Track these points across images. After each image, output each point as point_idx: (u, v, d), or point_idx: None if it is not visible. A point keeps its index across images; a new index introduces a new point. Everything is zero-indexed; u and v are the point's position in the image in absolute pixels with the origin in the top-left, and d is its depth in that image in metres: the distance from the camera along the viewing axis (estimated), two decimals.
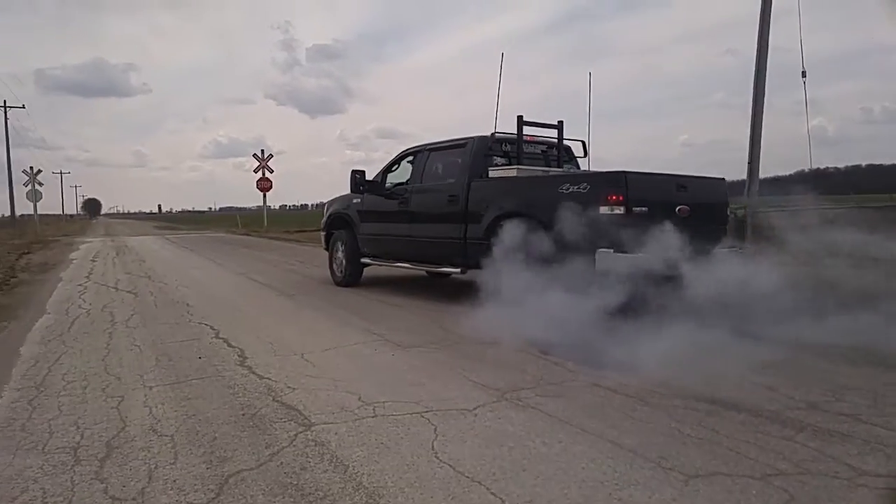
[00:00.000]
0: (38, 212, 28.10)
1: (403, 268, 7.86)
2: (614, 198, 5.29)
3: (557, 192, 5.74)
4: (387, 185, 8.07)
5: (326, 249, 9.14)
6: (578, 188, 5.65)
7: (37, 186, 26.96)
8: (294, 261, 13.20)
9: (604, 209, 5.30)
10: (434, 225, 7.18)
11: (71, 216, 78.78)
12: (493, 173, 6.79)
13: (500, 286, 5.42)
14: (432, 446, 2.86)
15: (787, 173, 12.90)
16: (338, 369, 4.23)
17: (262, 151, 25.68)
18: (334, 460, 2.71)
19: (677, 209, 5.51)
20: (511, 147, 7.12)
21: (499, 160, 7.02)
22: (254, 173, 25.63)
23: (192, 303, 7.27)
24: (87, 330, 5.78)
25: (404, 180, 7.87)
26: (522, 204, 6.14)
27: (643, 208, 5.30)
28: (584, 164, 7.75)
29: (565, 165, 7.52)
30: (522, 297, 5.21)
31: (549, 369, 4.17)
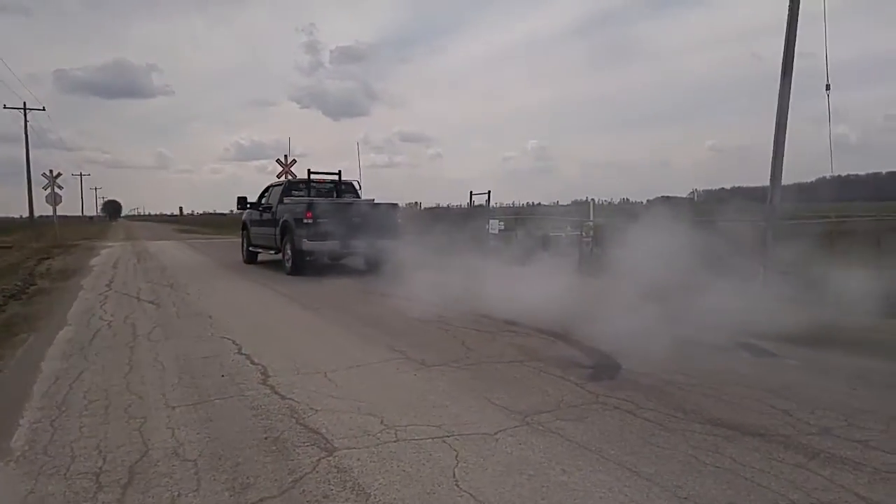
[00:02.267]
0: (58, 213, 28.29)
1: (266, 252, 13.69)
2: (309, 214, 11.14)
3: (294, 210, 11.69)
4: (260, 204, 13.86)
5: None
6: (297, 209, 11.54)
7: (56, 189, 27.11)
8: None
9: (306, 220, 11.14)
10: (268, 227, 12.86)
11: (90, 218, 79.76)
12: (286, 199, 12.51)
13: (286, 258, 11.91)
14: (453, 473, 2.84)
15: (809, 180, 12.85)
16: (361, 389, 4.21)
17: (286, 157, 25.64)
18: (356, 488, 2.70)
19: (351, 219, 11.43)
20: (302, 185, 13.42)
21: (297, 193, 13.02)
22: (276, 179, 25.64)
23: (214, 315, 7.30)
24: (109, 344, 5.81)
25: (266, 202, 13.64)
26: (290, 216, 11.70)
27: (324, 220, 11.17)
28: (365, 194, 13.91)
29: (346, 195, 13.31)
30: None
31: (570, 390, 4.15)
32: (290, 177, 25.91)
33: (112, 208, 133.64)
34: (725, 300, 7.06)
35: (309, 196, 12.57)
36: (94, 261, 16.27)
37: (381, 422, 3.53)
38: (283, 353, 5.27)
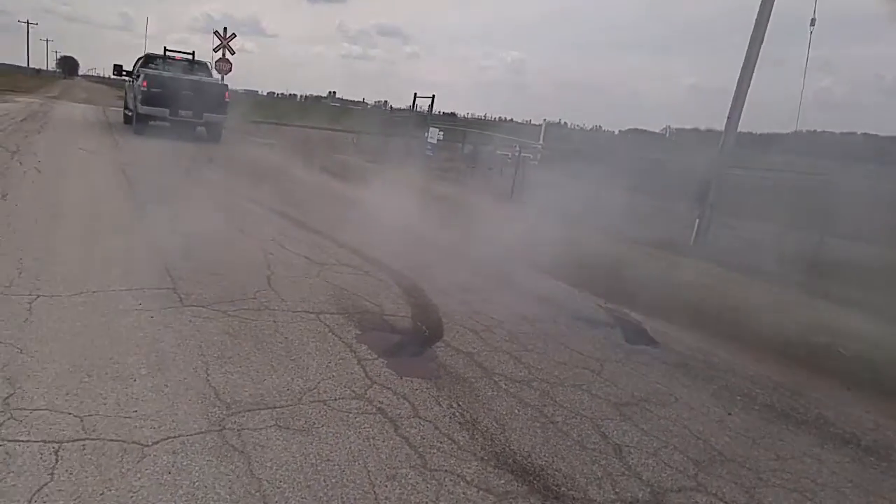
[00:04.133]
0: (2, 61, 25.26)
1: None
2: (145, 84, 12.28)
3: (138, 78, 12.84)
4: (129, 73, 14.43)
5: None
6: (135, 77, 13.30)
7: None
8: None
9: (142, 87, 12.32)
10: (130, 93, 14.10)
11: (37, 71, 73.98)
12: (142, 70, 13.14)
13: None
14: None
15: (786, 132, 11.68)
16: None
17: (225, 29, 22.38)
18: None
19: (182, 92, 12.36)
20: (159, 59, 14.18)
21: (153, 66, 13.75)
22: (213, 52, 22.86)
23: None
24: None
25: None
26: (136, 83, 12.80)
27: (158, 89, 12.31)
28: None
29: (199, 74, 14.13)
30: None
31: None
32: (229, 52, 23.36)
33: (68, 65, 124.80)
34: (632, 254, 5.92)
35: (163, 70, 13.56)
36: None
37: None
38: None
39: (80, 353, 2.69)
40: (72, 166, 7.99)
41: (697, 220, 7.72)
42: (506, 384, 2.95)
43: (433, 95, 15.87)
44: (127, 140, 12.17)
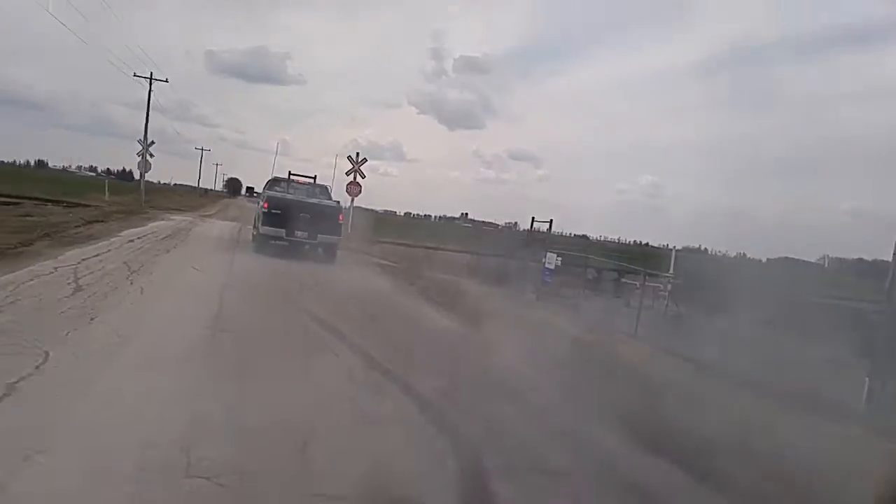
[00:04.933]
0: (178, 181, 29.17)
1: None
2: (266, 204, 13.37)
3: (261, 200, 14.49)
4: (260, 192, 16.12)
5: None
6: (260, 198, 14.84)
7: (148, 157, 27.78)
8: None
9: (263, 209, 13.46)
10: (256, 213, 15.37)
11: (206, 191, 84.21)
12: (267, 192, 14.43)
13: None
14: None
15: None
16: None
17: (357, 154, 24.27)
18: None
19: (299, 214, 13.12)
20: (284, 182, 15.35)
21: (278, 188, 14.85)
22: (345, 175, 24.40)
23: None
24: None
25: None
26: (271, 202, 13.42)
27: (277, 211, 13.16)
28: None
29: (318, 196, 14.73)
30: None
31: None
32: (359, 176, 24.77)
33: (233, 185, 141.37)
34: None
35: (285, 192, 14.58)
36: (129, 232, 15.59)
37: None
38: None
39: None
40: (176, 288, 8.16)
41: (867, 379, 6.21)
42: None
43: (551, 220, 15.37)
44: (243, 259, 12.69)
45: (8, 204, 20.50)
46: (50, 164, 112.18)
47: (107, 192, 31.92)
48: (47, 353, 4.37)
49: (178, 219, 23.73)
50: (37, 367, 4.08)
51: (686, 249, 18.71)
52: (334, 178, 24.42)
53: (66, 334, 4.96)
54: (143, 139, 28.14)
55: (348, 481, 3.08)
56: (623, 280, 16.46)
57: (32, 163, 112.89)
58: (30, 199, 24.17)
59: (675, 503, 3.44)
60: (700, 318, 12.13)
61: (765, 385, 6.30)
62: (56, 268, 8.00)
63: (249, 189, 17.73)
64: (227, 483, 2.86)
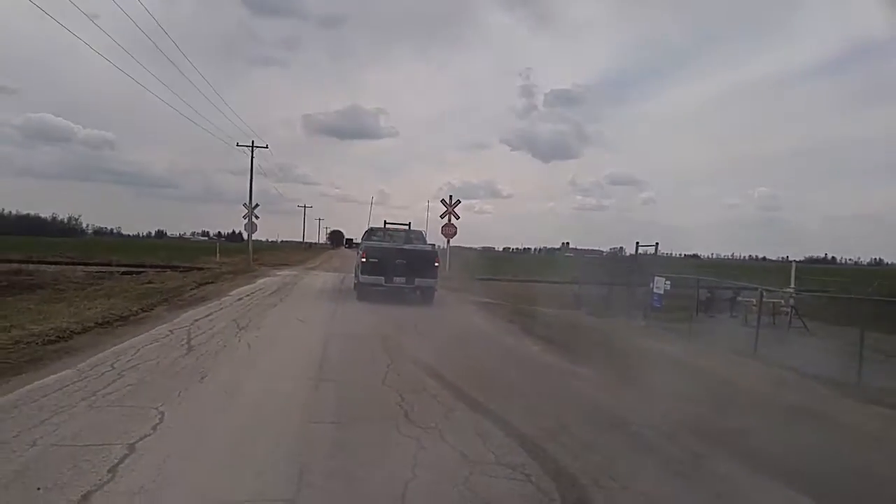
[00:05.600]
0: (283, 238, 31.02)
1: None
2: (363, 254, 13.95)
3: (359, 250, 14.89)
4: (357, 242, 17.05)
5: None
6: (360, 247, 15.04)
7: (253, 219, 29.55)
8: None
9: (362, 259, 13.97)
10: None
11: (310, 245, 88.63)
12: (364, 241, 15.38)
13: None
14: None
15: None
16: None
17: (451, 197, 24.87)
18: None
19: (396, 260, 13.64)
20: (380, 231, 16.34)
21: (375, 238, 15.73)
22: (440, 218, 24.83)
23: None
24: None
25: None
26: (368, 251, 13.97)
27: (374, 259, 13.70)
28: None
29: (413, 241, 15.61)
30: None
31: None
32: (454, 217, 25.03)
33: (336, 238, 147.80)
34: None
35: (381, 241, 15.28)
36: (238, 290, 16.37)
37: None
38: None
39: None
40: (281, 340, 8.38)
41: None
42: None
43: (657, 243, 14.66)
44: (346, 307, 13.02)
45: (132, 273, 22.54)
46: (168, 233, 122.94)
47: (217, 254, 34.29)
48: (163, 414, 4.55)
49: (285, 273, 24.89)
50: (153, 428, 4.24)
51: (808, 260, 17.26)
52: (427, 221, 24.94)
53: (178, 394, 5.16)
54: (248, 202, 29.95)
55: None
56: (739, 298, 15.27)
57: (153, 233, 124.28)
58: (151, 266, 26.67)
59: None
60: (827, 335, 11.06)
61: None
62: (171, 330, 8.49)
63: (349, 241, 18.67)
64: None
